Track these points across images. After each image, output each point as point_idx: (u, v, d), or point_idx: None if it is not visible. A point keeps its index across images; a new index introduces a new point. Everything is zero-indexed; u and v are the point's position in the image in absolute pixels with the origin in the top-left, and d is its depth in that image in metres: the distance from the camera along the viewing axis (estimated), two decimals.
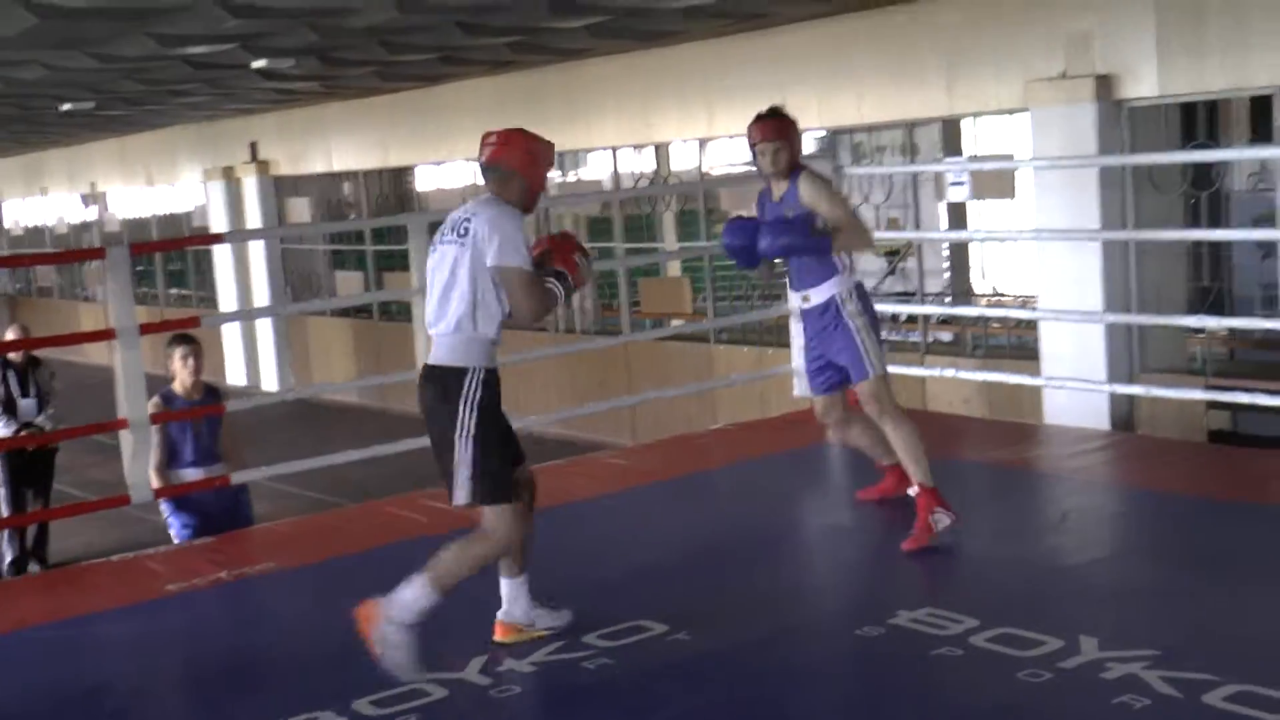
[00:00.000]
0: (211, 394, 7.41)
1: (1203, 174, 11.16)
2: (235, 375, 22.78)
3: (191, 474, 7.09)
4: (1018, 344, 12.77)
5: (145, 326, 6.57)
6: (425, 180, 20.26)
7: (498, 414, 4.66)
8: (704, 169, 15.56)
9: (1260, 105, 10.76)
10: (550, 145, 4.80)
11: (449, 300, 4.59)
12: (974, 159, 13.28)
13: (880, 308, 6.58)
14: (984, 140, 13.43)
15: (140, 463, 6.39)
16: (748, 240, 5.72)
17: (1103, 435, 8.41)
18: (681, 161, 16.27)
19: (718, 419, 13.41)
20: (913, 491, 5.60)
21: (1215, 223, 11.54)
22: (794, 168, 5.76)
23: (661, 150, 16.25)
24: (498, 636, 4.79)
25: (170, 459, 7.12)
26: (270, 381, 22.41)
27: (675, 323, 15.50)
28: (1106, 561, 5.40)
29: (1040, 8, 11.21)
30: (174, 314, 22.45)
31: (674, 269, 17.42)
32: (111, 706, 4.61)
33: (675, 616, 4.88)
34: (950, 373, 9.54)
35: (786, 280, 6.02)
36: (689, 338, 14.76)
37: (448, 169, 19.57)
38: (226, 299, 23.24)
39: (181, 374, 7.23)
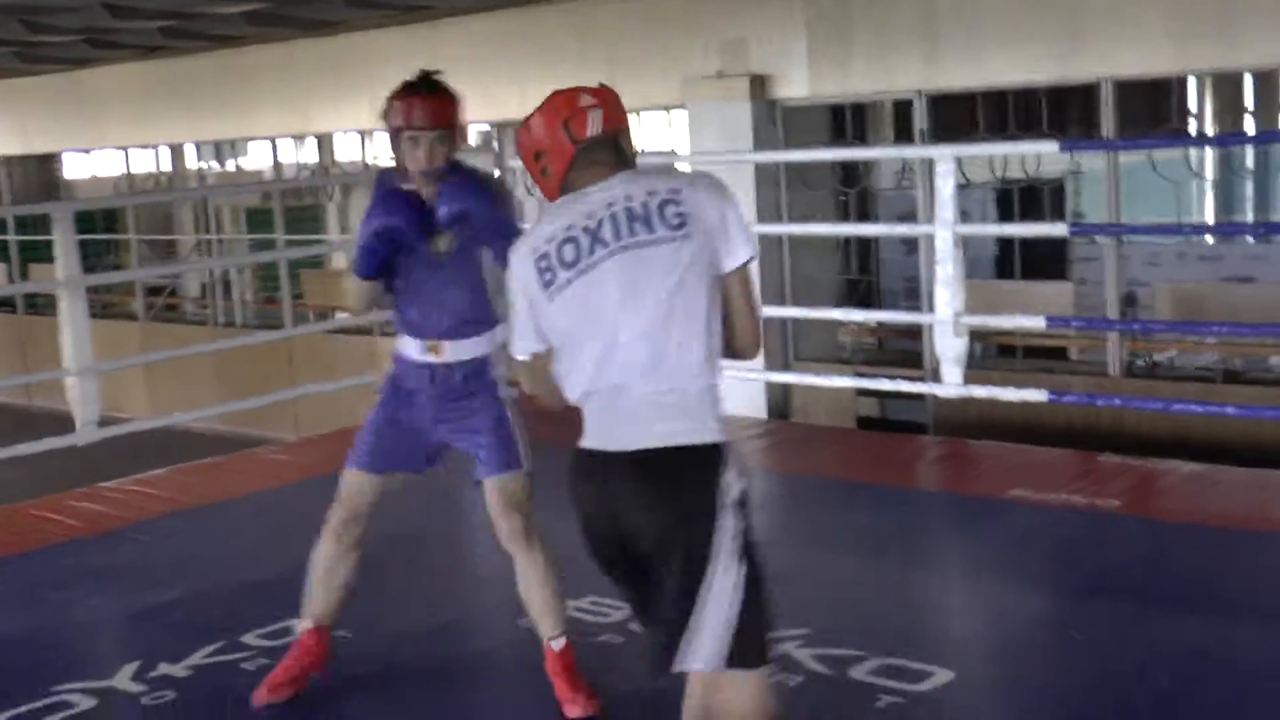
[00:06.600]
0: None
1: (851, 172, 11.64)
2: None
3: None
4: None
5: None
6: (73, 168, 19.36)
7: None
8: (368, 160, 15.35)
9: (902, 109, 11.28)
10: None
11: (678, 334, 2.89)
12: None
13: None
14: (645, 136, 13.66)
15: None
16: (412, 214, 3.89)
17: (759, 423, 8.68)
18: (346, 152, 16.00)
19: None
20: (556, 645, 4.11)
21: (863, 219, 12.02)
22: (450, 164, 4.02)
23: (324, 140, 15.96)
24: None
25: None
26: None
27: (340, 315, 15.26)
28: (764, 546, 5.54)
29: (697, 14, 11.45)
30: None
31: (338, 261, 17.14)
32: None
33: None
34: None
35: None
36: (353, 330, 14.55)
37: (97, 156, 18.75)
38: None
39: None
